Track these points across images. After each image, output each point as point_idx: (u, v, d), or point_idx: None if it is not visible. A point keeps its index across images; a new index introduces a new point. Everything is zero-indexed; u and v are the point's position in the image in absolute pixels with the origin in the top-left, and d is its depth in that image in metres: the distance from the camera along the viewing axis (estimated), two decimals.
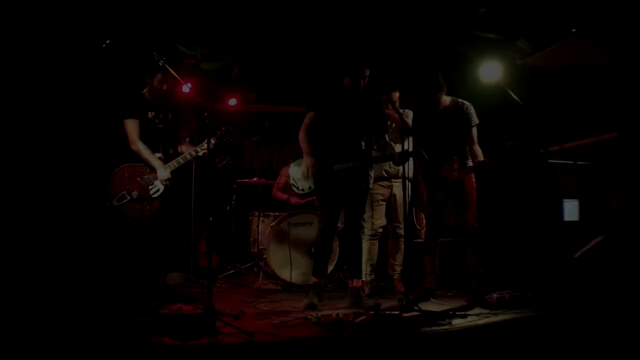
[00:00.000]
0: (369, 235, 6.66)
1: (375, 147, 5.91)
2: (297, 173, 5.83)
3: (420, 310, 4.91)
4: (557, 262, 5.84)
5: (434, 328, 4.45)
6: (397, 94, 6.77)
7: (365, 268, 6.44)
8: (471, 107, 6.13)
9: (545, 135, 6.23)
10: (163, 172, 5.73)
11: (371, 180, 5.90)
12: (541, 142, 6.31)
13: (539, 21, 6.85)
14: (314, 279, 5.89)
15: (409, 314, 4.81)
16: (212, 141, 5.62)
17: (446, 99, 6.22)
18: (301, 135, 5.82)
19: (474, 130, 6.09)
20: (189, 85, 5.62)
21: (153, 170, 5.74)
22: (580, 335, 4.69)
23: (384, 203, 6.78)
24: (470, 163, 6.09)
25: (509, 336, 4.57)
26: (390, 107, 6.19)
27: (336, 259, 7.23)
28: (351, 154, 5.67)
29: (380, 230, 6.76)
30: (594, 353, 4.54)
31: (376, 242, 6.77)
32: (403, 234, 6.70)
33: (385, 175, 6.72)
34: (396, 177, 6.74)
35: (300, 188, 5.82)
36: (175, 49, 7.81)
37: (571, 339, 4.66)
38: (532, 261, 7.24)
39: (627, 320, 4.71)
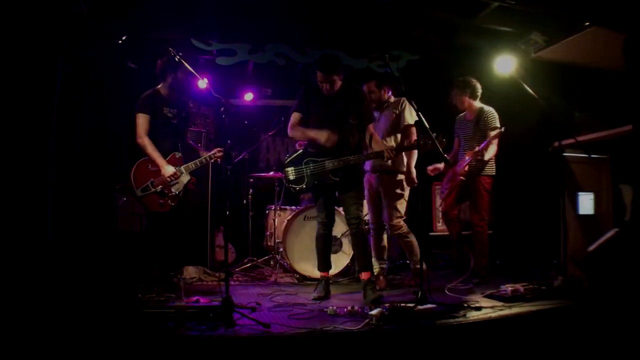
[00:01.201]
0: (372, 229, 6.83)
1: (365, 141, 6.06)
2: (291, 174, 5.91)
3: (434, 302, 4.95)
4: (571, 256, 5.84)
5: (448, 321, 4.49)
6: (373, 84, 6.71)
7: (374, 262, 6.61)
8: (492, 113, 6.72)
9: (560, 128, 6.22)
10: (167, 169, 5.81)
11: (364, 174, 6.15)
12: (555, 135, 6.31)
13: (554, 14, 6.83)
14: (320, 274, 6.12)
15: (424, 307, 4.84)
16: (219, 154, 6.03)
17: (473, 104, 6.84)
18: (292, 132, 6.00)
19: (491, 133, 6.56)
20: (206, 80, 5.65)
21: (156, 166, 5.83)
22: (595, 328, 4.71)
23: (375, 196, 6.80)
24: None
25: (523, 329, 4.60)
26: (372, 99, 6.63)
27: (351, 252, 7.29)
28: (340, 151, 5.76)
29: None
30: (608, 346, 4.56)
31: (381, 235, 6.85)
32: (404, 231, 6.65)
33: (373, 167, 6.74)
34: (385, 170, 6.64)
35: (298, 188, 5.90)
36: (191, 45, 7.86)
37: (586, 332, 4.68)
38: (546, 254, 7.25)
39: None
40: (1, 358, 3.56)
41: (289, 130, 5.99)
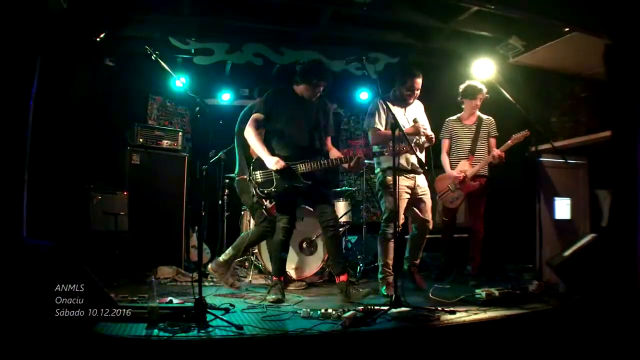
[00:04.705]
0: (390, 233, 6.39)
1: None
2: (259, 176, 5.81)
3: (409, 305, 4.92)
4: (547, 261, 5.84)
5: (421, 324, 4.46)
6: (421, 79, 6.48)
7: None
8: (492, 120, 7.02)
9: (537, 134, 6.25)
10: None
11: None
12: (532, 140, 6.33)
13: (533, 19, 6.85)
14: (273, 277, 6.02)
15: (397, 310, 4.81)
16: None
17: (474, 111, 7.02)
18: (251, 132, 5.85)
19: (493, 141, 6.99)
20: (182, 79, 5.60)
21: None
22: (569, 334, 4.71)
23: (408, 197, 6.42)
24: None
25: (496, 333, 4.59)
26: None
27: (325, 255, 7.26)
28: (309, 154, 5.84)
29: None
30: (583, 351, 4.56)
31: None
32: (431, 227, 6.60)
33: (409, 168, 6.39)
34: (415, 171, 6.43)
35: (267, 191, 5.78)
36: (169, 43, 7.80)
37: (559, 337, 4.68)
38: (522, 259, 7.28)
39: (618, 319, 4.73)
40: None
41: (248, 127, 5.87)
